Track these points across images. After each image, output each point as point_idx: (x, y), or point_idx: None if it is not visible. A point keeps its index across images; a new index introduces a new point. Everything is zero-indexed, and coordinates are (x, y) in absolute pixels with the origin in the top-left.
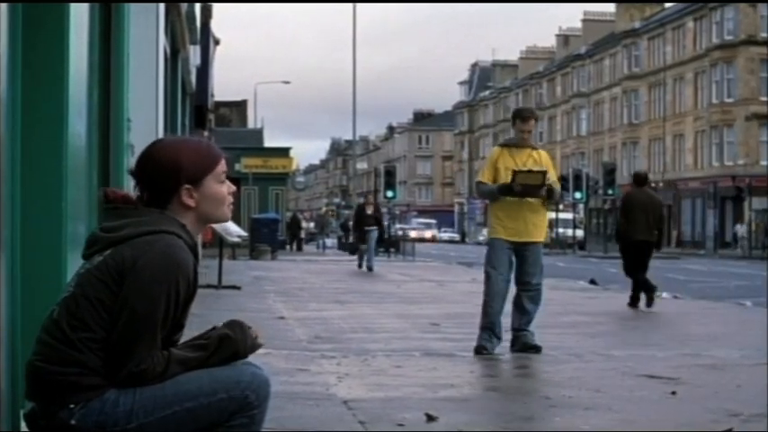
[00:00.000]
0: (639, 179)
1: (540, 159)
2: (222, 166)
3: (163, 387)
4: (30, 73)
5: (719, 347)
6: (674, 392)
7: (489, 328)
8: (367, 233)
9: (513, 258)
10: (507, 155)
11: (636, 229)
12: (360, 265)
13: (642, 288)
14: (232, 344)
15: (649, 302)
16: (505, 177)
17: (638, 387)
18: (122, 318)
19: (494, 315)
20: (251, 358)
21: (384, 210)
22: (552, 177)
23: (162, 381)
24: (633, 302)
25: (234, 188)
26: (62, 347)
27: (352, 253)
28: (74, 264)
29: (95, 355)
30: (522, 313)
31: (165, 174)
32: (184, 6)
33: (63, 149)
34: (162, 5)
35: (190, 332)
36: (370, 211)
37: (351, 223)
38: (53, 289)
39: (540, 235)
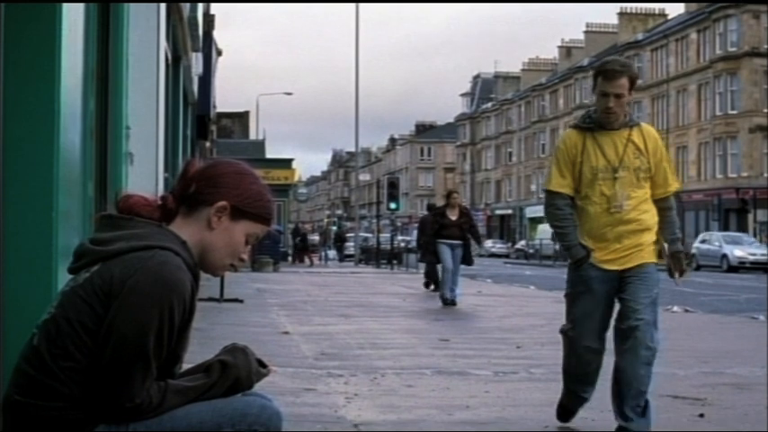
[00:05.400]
0: (431, 208)
1: (645, 146)
2: (262, 228)
3: (159, 422)
4: (17, 78)
5: (741, 365)
6: (701, 415)
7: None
8: (445, 249)
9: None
10: (591, 145)
11: (428, 241)
12: (445, 300)
13: (431, 278)
14: (232, 370)
15: (434, 287)
16: (591, 181)
17: (663, 409)
18: (110, 346)
19: (584, 393)
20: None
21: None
22: (673, 184)
23: (158, 415)
24: (428, 285)
25: (246, 257)
26: (42, 378)
27: (428, 277)
28: (65, 280)
29: (80, 388)
30: (624, 384)
31: (223, 180)
32: (186, 10)
33: (54, 157)
34: (163, 7)
35: (191, 347)
36: (453, 216)
37: (348, 232)
38: (41, 307)
39: (651, 255)
